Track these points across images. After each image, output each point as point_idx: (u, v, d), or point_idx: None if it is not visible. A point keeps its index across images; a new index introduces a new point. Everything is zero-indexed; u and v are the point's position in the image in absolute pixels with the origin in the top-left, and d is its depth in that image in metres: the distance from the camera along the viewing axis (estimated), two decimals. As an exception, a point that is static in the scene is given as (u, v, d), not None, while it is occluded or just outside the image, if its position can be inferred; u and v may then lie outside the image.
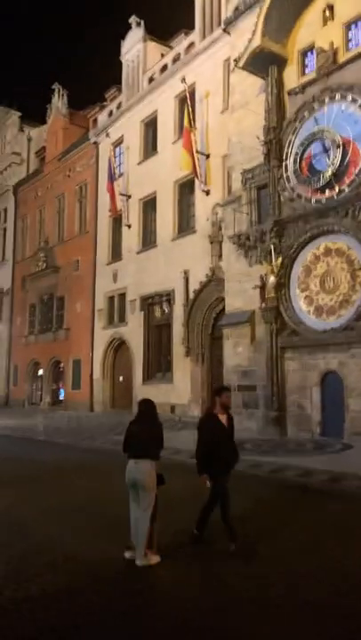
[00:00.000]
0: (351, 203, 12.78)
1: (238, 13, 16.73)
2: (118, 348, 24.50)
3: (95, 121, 27.16)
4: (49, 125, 31.62)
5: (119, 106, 25.23)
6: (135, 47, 24.40)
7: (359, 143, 12.92)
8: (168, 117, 22.05)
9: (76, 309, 27.07)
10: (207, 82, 19.70)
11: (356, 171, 12.88)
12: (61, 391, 28.32)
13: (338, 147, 13.27)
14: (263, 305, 14.38)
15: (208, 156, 19.04)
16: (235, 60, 15.84)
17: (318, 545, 5.65)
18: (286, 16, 14.70)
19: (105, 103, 27.62)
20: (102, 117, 26.53)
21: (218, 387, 6.22)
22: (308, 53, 14.83)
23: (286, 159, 14.58)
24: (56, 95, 30.86)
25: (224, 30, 17.65)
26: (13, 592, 4.56)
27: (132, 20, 24.57)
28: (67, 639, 3.85)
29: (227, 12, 17.85)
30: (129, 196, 23.50)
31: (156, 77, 22.78)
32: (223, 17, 18.20)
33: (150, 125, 23.43)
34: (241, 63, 15.29)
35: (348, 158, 13.11)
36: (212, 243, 18.59)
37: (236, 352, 15.72)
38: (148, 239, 22.82)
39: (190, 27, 21.35)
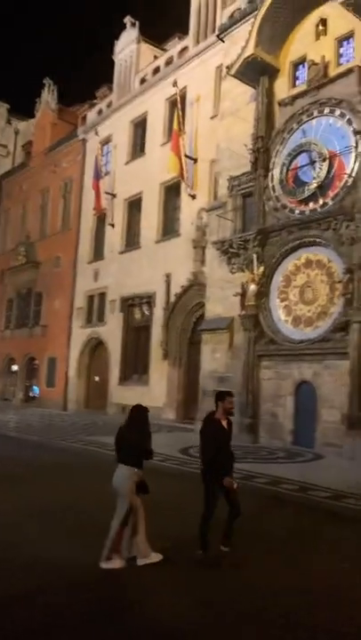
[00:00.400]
0: (334, 216, 12.92)
1: (233, 21, 16.84)
2: (95, 347, 24.34)
3: (84, 118, 27.02)
4: (37, 119, 31.36)
5: (109, 105, 25.16)
6: (129, 47, 24.37)
7: (345, 158, 13.09)
8: (158, 119, 22.05)
9: (54, 306, 26.83)
10: (198, 87, 19.77)
11: (341, 184, 13.04)
12: (35, 388, 28.00)
13: (324, 160, 13.42)
14: (243, 312, 14.44)
15: (196, 161, 19.10)
16: (227, 68, 15.92)
17: (290, 555, 5.65)
18: (280, 27, 14.85)
19: (95, 101, 27.53)
20: (92, 115, 26.41)
21: (221, 391, 6.12)
22: (300, 66, 14.98)
23: (273, 169, 14.70)
24: (46, 90, 30.63)
25: (218, 37, 17.73)
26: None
27: (127, 20, 24.55)
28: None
29: (222, 19, 17.96)
30: (114, 196, 23.42)
31: (148, 79, 22.78)
32: (218, 24, 18.30)
33: (139, 126, 23.41)
34: (233, 71, 15.38)
35: (333, 172, 13.27)
36: (195, 247, 18.62)
37: (214, 358, 15.74)
38: (132, 240, 22.75)
39: (185, 31, 21.42)
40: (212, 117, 18.69)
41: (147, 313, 21.30)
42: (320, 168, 13.49)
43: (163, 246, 20.67)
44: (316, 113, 13.99)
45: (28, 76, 66.69)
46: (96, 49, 65.61)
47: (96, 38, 66.78)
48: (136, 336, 21.99)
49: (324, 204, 13.28)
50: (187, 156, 18.92)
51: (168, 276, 19.83)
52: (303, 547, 5.98)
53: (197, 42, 20.32)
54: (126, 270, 22.19)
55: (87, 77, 55.61)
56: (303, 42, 14.77)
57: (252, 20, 15.05)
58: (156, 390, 19.71)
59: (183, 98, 19.98)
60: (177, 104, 19.33)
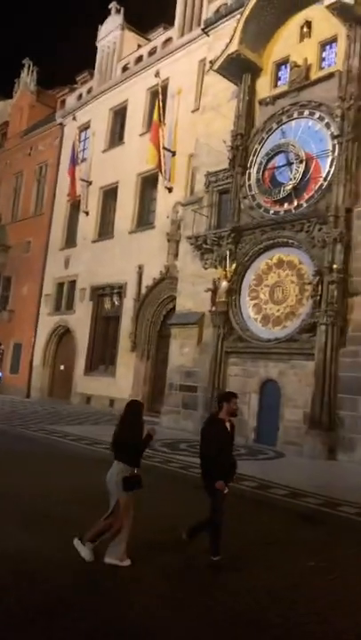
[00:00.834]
0: (307, 218, 13.07)
1: (219, 16, 16.79)
2: (62, 335, 24.06)
3: (63, 102, 26.56)
4: (15, 100, 30.66)
5: (90, 90, 24.78)
6: (112, 34, 24.02)
7: (321, 161, 13.24)
8: (138, 109, 21.84)
9: (22, 292, 26.37)
10: (181, 79, 19.64)
11: (316, 187, 13.19)
12: (-1, 373, 27.51)
13: (301, 162, 13.55)
14: (213, 308, 14.49)
15: (174, 154, 19.00)
16: (210, 62, 15.88)
17: (252, 556, 5.70)
18: (265, 26, 14.87)
19: (75, 86, 27.07)
20: (71, 100, 25.97)
21: (226, 392, 5.95)
22: (283, 66, 15.05)
23: (250, 167, 14.76)
24: (25, 70, 29.96)
25: (203, 31, 17.66)
26: None
27: (113, 5, 24.19)
28: None
29: (207, 13, 17.86)
30: (90, 183, 23.13)
31: (131, 67, 22.52)
32: (204, 17, 18.20)
33: (119, 114, 23.14)
34: (216, 66, 15.35)
35: (309, 174, 13.41)
36: (169, 241, 18.56)
37: (182, 352, 15.77)
38: (106, 229, 22.52)
39: (170, 22, 21.23)
40: (193, 111, 18.61)
41: (117, 303, 21.15)
42: (297, 170, 13.61)
43: (136, 237, 20.54)
44: (296, 114, 14.09)
45: (8, 56, 65.08)
46: (79, 33, 64.41)
47: (80, 22, 65.59)
48: (105, 326, 21.83)
49: (299, 205, 13.41)
50: (165, 149, 18.82)
51: (140, 268, 19.73)
52: (268, 545, 6.03)
53: (182, 34, 20.17)
54: (98, 259, 21.96)
55: (68, 61, 54.50)
56: (287, 42, 14.84)
57: (238, 16, 15.05)
58: (123, 382, 19.62)
59: (165, 89, 19.83)
60: (158, 95, 19.18)
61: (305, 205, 13.26)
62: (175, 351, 16.04)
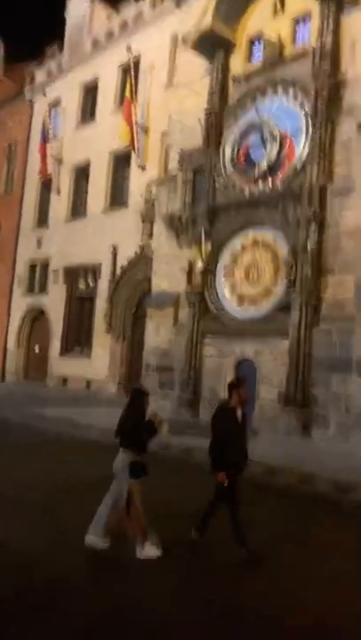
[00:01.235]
0: (282, 198, 13.07)
1: (191, -11, 16.39)
2: (37, 317, 23.76)
3: (32, 78, 25.74)
4: (-19, 75, 29.55)
5: (59, 65, 24.07)
6: (82, 6, 23.28)
7: (296, 140, 13.19)
8: (110, 85, 21.36)
9: (-6, 273, 25.85)
10: (153, 55, 19.24)
11: (290, 166, 13.17)
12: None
13: (275, 140, 13.48)
14: (189, 289, 14.47)
15: (147, 131, 18.70)
16: (183, 38, 15.56)
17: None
18: (239, 0, 14.60)
19: (44, 60, 26.20)
20: (40, 75, 25.20)
21: (237, 378, 5.79)
22: (256, 42, 14.83)
23: (225, 146, 14.63)
24: (-9, 43, 28.87)
25: (175, 4, 17.24)
26: None
27: (81, -25, 23.39)
28: None
29: (180, -15, 17.41)
30: (61, 161, 22.64)
31: (101, 41, 21.92)
32: (176, -10, 17.74)
33: (90, 90, 22.59)
34: (189, 42, 15.06)
35: (283, 153, 13.37)
36: (143, 220, 18.36)
37: (158, 333, 15.76)
38: (78, 209, 22.16)
39: (141, -6, 20.66)
40: (165, 87, 18.30)
41: (91, 284, 20.94)
42: (271, 148, 13.54)
43: (110, 217, 20.27)
44: (270, 92, 13.96)
45: (-28, 26, 62.54)
46: (48, 4, 62.29)
47: (47, -8, 63.36)
48: (79, 307, 21.62)
49: (274, 184, 13.39)
50: (138, 126, 18.49)
51: (115, 248, 19.52)
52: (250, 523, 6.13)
53: (154, 6, 19.69)
54: (71, 239, 21.64)
55: (37, 34, 52.72)
56: (261, 17, 14.61)
57: (211, -11, 14.72)
58: (99, 364, 19.57)
59: (137, 65, 19.39)
60: (130, 71, 18.76)
61: (280, 185, 13.25)
62: (151, 332, 16.02)
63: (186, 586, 4.54)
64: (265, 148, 13.70)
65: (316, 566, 4.97)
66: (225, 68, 15.07)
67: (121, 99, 19.92)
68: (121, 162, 20.48)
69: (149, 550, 4.92)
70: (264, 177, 13.57)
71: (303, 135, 12.96)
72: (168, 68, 18.47)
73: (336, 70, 12.65)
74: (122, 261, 19.23)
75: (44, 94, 24.14)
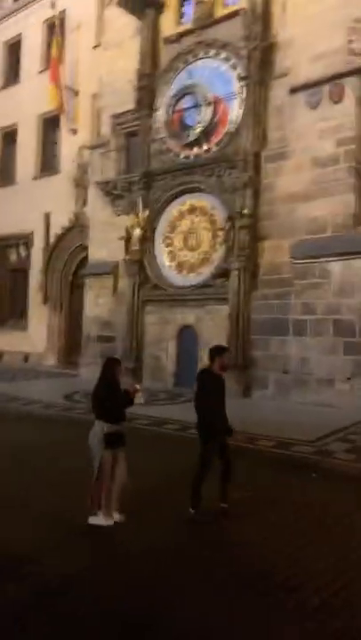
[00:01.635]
0: (217, 163, 13.05)
1: None
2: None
3: None
4: None
5: (-23, 20, 22.47)
6: None
7: (229, 103, 13.12)
8: (34, 44, 20.27)
9: None
10: (79, 12, 18.35)
11: (224, 131, 13.12)
12: None
13: (209, 104, 13.35)
14: (127, 257, 14.31)
15: (77, 93, 17.97)
16: (110, -7, 14.93)
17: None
18: None
19: None
20: None
21: (218, 346, 5.82)
22: (187, 1, 14.47)
23: (158, 109, 14.34)
24: None
25: None
26: None
27: None
28: None
29: None
30: (-15, 125, 21.43)
31: (23, -5, 20.64)
32: None
33: (14, 49, 21.36)
34: (116, -1, 14.47)
35: (217, 117, 13.28)
36: (77, 187, 17.85)
37: (98, 303, 15.57)
38: (6, 175, 21.18)
39: None
40: (94, 47, 17.56)
41: (23, 255, 20.25)
42: (205, 112, 13.41)
43: (41, 183, 19.53)
44: (201, 54, 13.73)
45: None
46: None
47: None
48: (12, 279, 20.92)
49: (208, 149, 13.33)
50: (67, 88, 17.72)
51: (47, 216, 18.90)
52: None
53: None
54: (0, 208, 20.71)
55: None
56: (191, -25, 14.22)
57: None
58: (36, 336, 19.14)
59: (63, 22, 18.46)
60: (55, 28, 17.83)
61: (214, 150, 13.20)
62: (90, 302, 15.80)
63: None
64: (199, 112, 13.56)
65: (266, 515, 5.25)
66: (156, 29, 14.63)
67: (47, 59, 18.96)
68: (50, 125, 19.67)
69: (101, 519, 4.97)
70: (199, 142, 13.47)
71: (236, 99, 12.91)
72: (96, 26, 17.70)
73: (267, 32, 12.57)
74: (55, 230, 18.68)
75: None
